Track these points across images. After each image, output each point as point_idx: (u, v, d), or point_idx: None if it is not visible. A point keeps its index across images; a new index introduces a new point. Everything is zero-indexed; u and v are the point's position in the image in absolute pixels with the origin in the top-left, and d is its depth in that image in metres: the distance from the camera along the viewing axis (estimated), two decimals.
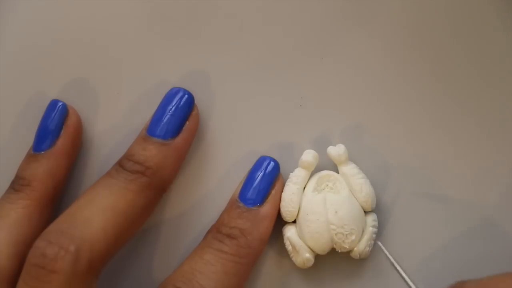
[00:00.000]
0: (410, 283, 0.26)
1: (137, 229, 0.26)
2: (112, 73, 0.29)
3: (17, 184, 0.26)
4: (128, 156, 0.26)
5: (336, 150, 0.27)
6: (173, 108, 0.26)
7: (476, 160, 0.28)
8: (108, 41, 0.29)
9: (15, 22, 0.29)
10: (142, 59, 0.29)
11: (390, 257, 0.27)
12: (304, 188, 0.27)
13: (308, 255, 0.27)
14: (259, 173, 0.27)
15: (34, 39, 0.29)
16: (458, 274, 0.27)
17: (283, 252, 0.28)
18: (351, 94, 0.28)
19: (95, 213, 0.24)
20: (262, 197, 0.26)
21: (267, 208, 0.26)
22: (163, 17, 0.29)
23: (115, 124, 0.29)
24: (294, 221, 0.27)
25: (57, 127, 0.27)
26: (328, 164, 0.28)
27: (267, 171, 0.27)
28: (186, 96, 0.27)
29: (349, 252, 0.27)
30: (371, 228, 0.27)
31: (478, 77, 0.28)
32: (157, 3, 0.29)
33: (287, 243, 0.27)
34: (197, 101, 0.27)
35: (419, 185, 0.28)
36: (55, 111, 0.27)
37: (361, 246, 0.27)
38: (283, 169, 0.27)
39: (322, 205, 0.26)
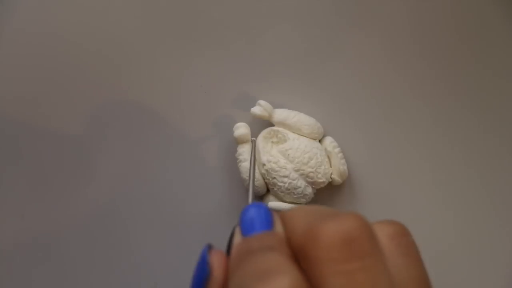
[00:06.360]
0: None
1: None
2: (112, 72, 0.28)
3: None
4: None
5: (259, 108, 0.27)
6: None
7: (479, 160, 0.28)
8: (108, 41, 0.28)
9: (15, 21, 0.28)
10: (142, 58, 0.28)
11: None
12: (255, 159, 0.27)
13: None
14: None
15: (35, 40, 0.28)
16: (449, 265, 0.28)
17: None
18: (351, 94, 0.28)
19: None
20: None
21: None
22: (164, 17, 0.28)
23: (116, 124, 0.28)
24: (268, 191, 0.27)
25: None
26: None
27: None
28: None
29: (330, 183, 0.27)
30: (335, 150, 0.27)
31: (479, 76, 0.28)
32: (158, 4, 0.28)
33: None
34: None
35: (419, 184, 0.29)
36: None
37: (336, 170, 0.27)
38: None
39: (282, 158, 0.26)
